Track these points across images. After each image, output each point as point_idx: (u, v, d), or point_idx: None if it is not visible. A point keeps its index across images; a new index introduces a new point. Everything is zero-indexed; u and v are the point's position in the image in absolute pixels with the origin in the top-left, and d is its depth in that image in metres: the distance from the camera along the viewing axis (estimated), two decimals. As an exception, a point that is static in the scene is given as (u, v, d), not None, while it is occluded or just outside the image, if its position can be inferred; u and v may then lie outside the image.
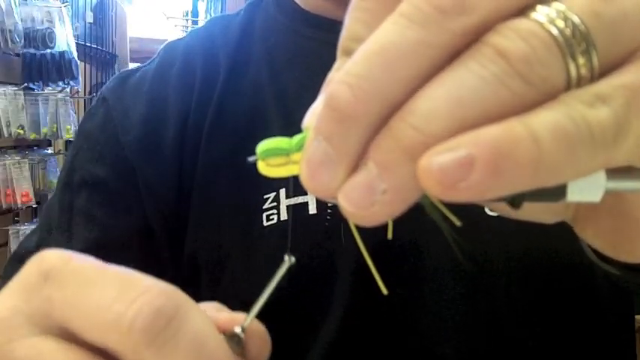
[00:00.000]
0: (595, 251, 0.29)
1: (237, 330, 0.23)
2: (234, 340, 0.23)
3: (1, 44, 1.88)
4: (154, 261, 0.52)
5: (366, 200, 0.17)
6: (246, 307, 0.57)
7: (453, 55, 0.17)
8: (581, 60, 0.17)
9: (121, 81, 0.57)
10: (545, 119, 0.16)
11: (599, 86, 0.17)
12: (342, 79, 0.17)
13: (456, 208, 0.19)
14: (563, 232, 0.28)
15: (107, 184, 0.52)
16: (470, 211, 0.26)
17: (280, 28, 0.56)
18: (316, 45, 0.53)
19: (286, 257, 0.23)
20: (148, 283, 0.21)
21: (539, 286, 0.48)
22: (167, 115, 0.53)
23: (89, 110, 0.58)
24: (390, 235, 0.23)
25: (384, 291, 0.22)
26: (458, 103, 0.16)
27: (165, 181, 0.51)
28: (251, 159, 0.20)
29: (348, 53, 0.19)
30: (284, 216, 0.48)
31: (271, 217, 0.48)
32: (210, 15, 3.06)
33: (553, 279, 0.49)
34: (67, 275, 0.23)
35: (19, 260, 0.53)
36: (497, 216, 0.26)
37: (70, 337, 0.22)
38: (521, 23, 0.17)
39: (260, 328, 0.24)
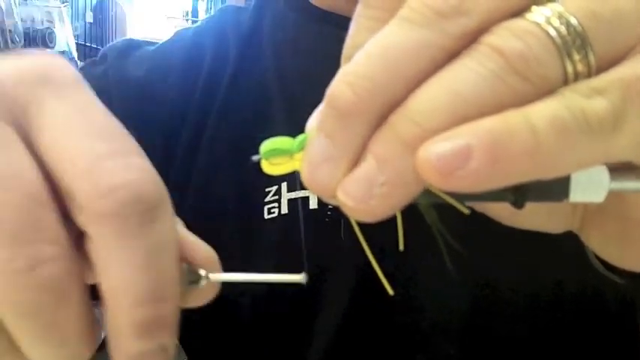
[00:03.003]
0: (602, 262, 0.29)
1: (202, 273, 0.22)
2: (191, 276, 0.21)
3: (1, 44, 1.88)
4: None
5: (365, 193, 0.18)
6: (244, 299, 0.56)
7: (451, 56, 0.18)
8: (577, 58, 0.17)
9: (127, 47, 0.57)
10: (542, 110, 0.16)
11: (596, 80, 0.17)
12: (342, 78, 0.18)
13: (463, 213, 0.19)
14: (570, 244, 0.28)
15: None
16: (479, 219, 0.26)
17: (288, 23, 0.56)
18: (323, 40, 0.53)
19: (303, 274, 0.23)
20: (148, 164, 0.19)
21: (545, 292, 0.48)
22: (165, 86, 0.52)
23: (92, 60, 0.58)
24: (401, 247, 0.23)
25: (390, 291, 0.22)
26: (456, 98, 0.17)
27: (154, 153, 0.51)
28: (255, 158, 0.21)
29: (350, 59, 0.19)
30: (285, 210, 0.48)
31: (272, 211, 0.48)
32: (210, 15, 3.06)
33: (560, 290, 0.48)
34: (71, 94, 0.20)
35: None
36: (506, 228, 0.26)
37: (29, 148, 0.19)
38: (516, 23, 0.17)
39: (217, 286, 0.22)
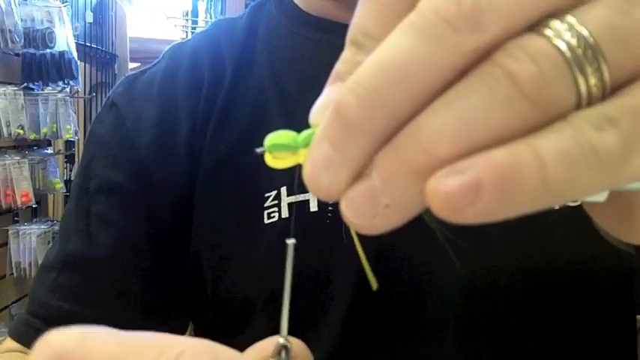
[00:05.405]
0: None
1: (282, 341, 0.23)
2: (281, 354, 0.23)
3: (1, 44, 1.88)
4: (165, 266, 0.53)
5: (369, 212, 0.18)
6: (247, 304, 0.57)
7: (462, 71, 0.17)
8: (590, 71, 0.17)
9: (129, 85, 0.57)
10: (551, 143, 0.16)
11: (608, 107, 0.17)
12: (351, 88, 0.18)
13: None
14: (567, 237, 0.28)
15: (124, 188, 0.53)
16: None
17: (282, 30, 0.57)
18: (317, 46, 0.53)
19: (288, 242, 0.24)
20: (181, 345, 0.20)
21: (541, 289, 0.48)
22: (178, 116, 0.54)
23: (98, 116, 0.59)
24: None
25: (374, 286, 0.23)
26: (465, 127, 0.17)
27: (179, 182, 0.52)
28: (259, 150, 0.21)
29: (356, 45, 0.19)
30: (285, 214, 0.48)
31: (272, 215, 0.49)
32: (210, 15, 3.06)
33: (555, 280, 0.49)
34: (86, 356, 0.21)
35: (47, 270, 0.54)
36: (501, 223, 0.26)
37: None
38: (530, 42, 0.17)
39: (300, 343, 0.24)
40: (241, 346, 0.55)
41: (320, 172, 0.18)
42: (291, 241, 0.24)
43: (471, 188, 0.16)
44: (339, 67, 0.20)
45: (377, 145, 0.18)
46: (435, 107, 0.17)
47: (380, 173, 0.18)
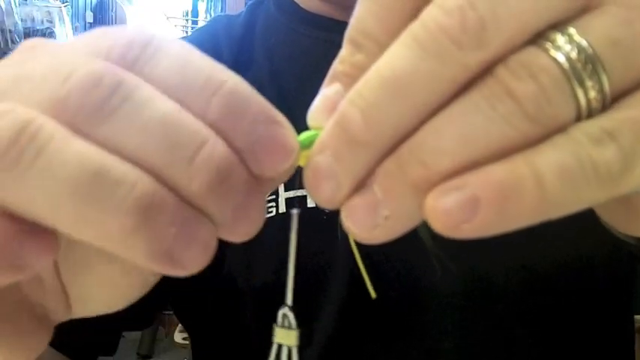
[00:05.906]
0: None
1: (286, 310, 0.24)
2: (284, 321, 0.24)
3: (1, 44, 1.88)
4: None
5: (369, 223, 0.18)
6: (245, 298, 0.56)
7: (464, 85, 0.17)
8: (591, 89, 0.17)
9: None
10: (550, 158, 0.17)
11: (608, 120, 0.17)
12: (354, 100, 0.18)
13: None
14: (565, 237, 0.28)
15: None
16: None
17: (280, 27, 0.57)
18: (315, 43, 0.54)
19: (293, 212, 0.24)
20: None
21: (538, 287, 0.48)
22: None
23: None
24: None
25: (373, 294, 0.23)
26: (465, 143, 0.17)
27: None
28: None
29: (354, 44, 0.19)
30: (282, 209, 0.49)
31: (270, 210, 0.49)
32: (211, 15, 3.06)
33: (552, 280, 0.49)
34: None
35: None
36: None
37: None
38: (530, 56, 0.17)
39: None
40: (235, 342, 0.55)
41: (321, 182, 0.19)
42: (295, 211, 0.24)
43: (468, 205, 0.17)
44: (336, 66, 0.20)
45: (378, 157, 0.18)
46: (436, 122, 0.17)
47: (381, 185, 0.18)
